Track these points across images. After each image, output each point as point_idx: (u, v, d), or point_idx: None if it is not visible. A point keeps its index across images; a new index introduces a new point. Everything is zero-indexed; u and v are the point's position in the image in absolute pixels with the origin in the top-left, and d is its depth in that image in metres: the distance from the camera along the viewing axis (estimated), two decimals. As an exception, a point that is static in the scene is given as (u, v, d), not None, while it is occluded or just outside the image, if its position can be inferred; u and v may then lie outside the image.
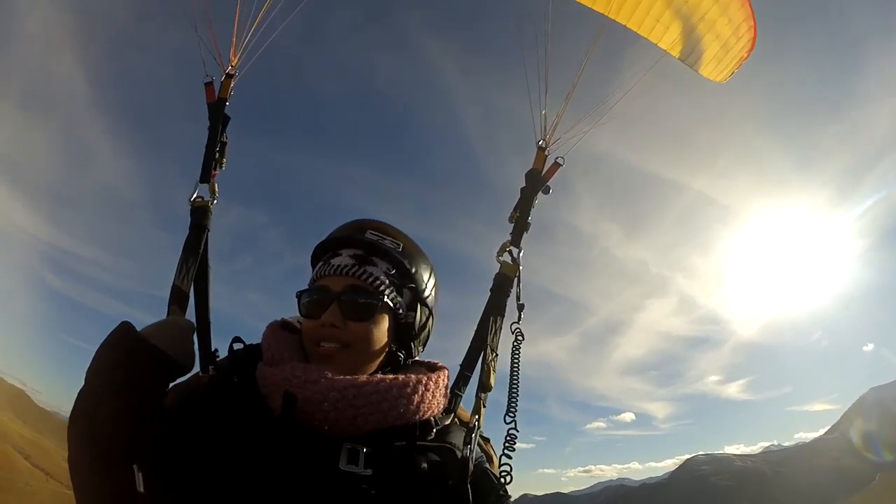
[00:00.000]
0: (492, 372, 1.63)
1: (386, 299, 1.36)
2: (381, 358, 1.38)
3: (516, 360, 1.70)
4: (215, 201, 1.80)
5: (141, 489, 1.15)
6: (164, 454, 1.19)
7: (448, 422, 1.43)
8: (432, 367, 1.48)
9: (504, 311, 1.77)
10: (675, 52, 2.52)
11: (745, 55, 2.49)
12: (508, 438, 1.54)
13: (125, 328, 1.33)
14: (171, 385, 1.36)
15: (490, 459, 1.55)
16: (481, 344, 1.68)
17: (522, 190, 1.99)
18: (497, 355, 1.68)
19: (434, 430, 1.34)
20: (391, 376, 1.31)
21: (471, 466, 1.31)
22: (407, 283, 1.43)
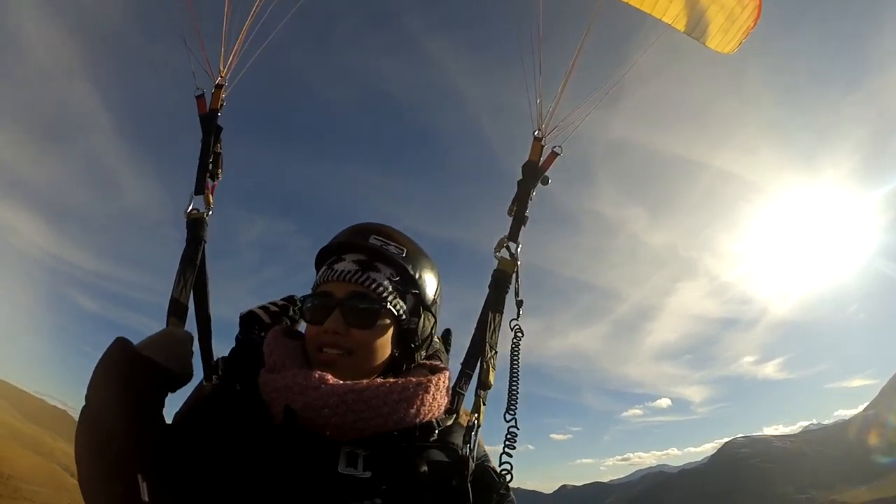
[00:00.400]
0: (491, 370, 1.62)
1: (389, 305, 1.34)
2: (384, 363, 1.38)
3: (516, 357, 1.68)
4: (210, 213, 1.81)
5: (145, 498, 1.17)
6: (167, 463, 1.21)
7: (450, 422, 1.42)
8: (433, 369, 1.46)
9: (503, 307, 1.75)
10: (680, 26, 2.43)
11: (752, 24, 2.39)
12: (509, 436, 1.52)
13: (120, 343, 1.35)
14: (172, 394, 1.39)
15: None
16: (481, 341, 1.67)
17: (519, 182, 1.93)
18: (496, 352, 1.67)
19: (436, 432, 1.34)
20: (391, 380, 1.30)
21: (471, 465, 1.31)
22: (410, 289, 1.41)
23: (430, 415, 1.33)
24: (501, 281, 1.78)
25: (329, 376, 1.24)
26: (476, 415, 1.49)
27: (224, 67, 2.00)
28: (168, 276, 1.69)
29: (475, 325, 1.74)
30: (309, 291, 1.43)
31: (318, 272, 1.44)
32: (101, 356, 1.33)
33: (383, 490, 1.20)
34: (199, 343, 1.57)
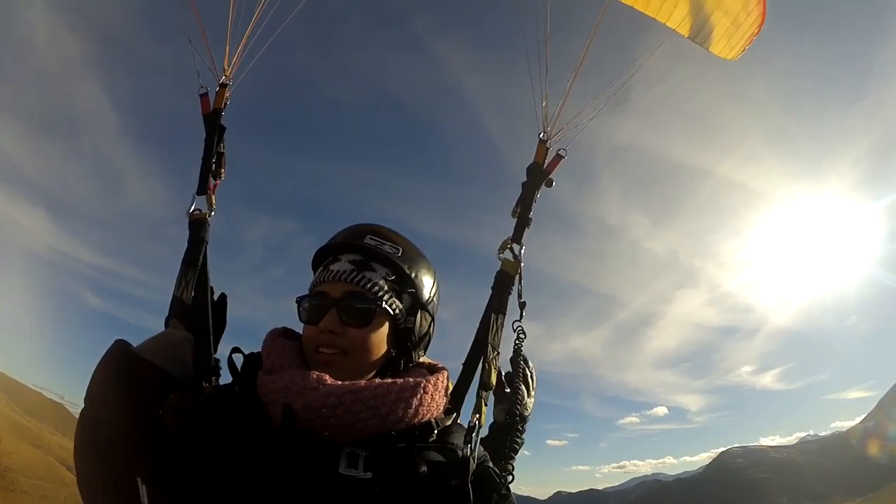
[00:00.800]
0: (493, 370, 1.62)
1: (384, 304, 1.35)
2: (381, 363, 1.38)
3: (518, 358, 1.69)
4: (213, 213, 1.81)
5: (145, 502, 1.16)
6: (166, 466, 1.20)
7: (450, 422, 1.42)
8: (432, 369, 1.46)
9: (506, 309, 1.75)
10: (684, 31, 2.43)
11: (756, 30, 2.39)
12: (509, 437, 1.55)
13: (117, 346, 1.34)
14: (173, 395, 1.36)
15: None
16: (483, 342, 1.67)
17: (524, 184, 1.95)
18: (498, 353, 1.67)
19: (435, 432, 1.34)
20: (389, 380, 1.30)
21: (472, 466, 1.30)
22: (406, 289, 1.42)
23: (428, 415, 1.32)
24: (504, 282, 1.79)
25: (327, 377, 1.24)
26: (477, 415, 1.49)
27: (228, 66, 2.00)
28: (171, 275, 1.67)
29: (477, 325, 1.75)
30: (306, 292, 1.43)
31: (314, 273, 1.44)
32: (100, 359, 1.33)
33: (384, 491, 1.19)
34: (198, 344, 1.53)
